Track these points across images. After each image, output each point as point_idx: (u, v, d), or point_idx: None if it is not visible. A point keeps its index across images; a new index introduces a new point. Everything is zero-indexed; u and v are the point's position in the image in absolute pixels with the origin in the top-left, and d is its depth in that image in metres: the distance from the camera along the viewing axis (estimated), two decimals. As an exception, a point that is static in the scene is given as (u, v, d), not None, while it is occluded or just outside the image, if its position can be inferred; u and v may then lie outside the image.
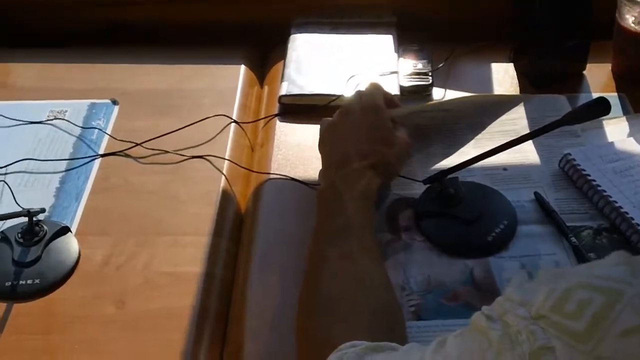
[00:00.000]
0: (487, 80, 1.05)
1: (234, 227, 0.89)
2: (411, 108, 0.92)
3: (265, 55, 1.17)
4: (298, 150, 0.95)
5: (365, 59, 1.08)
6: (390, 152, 0.81)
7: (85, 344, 0.73)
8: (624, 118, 0.94)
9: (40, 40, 1.15)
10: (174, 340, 0.74)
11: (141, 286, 0.79)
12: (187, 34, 1.17)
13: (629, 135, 0.91)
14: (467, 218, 0.81)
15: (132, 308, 0.77)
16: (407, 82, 1.02)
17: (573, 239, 0.78)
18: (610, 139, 0.91)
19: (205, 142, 0.97)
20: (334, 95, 1.00)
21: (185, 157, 0.95)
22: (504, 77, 1.05)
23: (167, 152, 0.95)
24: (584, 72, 1.03)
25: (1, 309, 0.76)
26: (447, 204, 0.82)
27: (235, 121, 1.01)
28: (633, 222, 0.78)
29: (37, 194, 0.89)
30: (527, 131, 0.92)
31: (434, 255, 0.80)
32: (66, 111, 1.02)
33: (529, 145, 0.90)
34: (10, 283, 0.77)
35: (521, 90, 1.03)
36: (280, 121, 1.01)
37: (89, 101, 1.04)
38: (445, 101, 1.00)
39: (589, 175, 0.83)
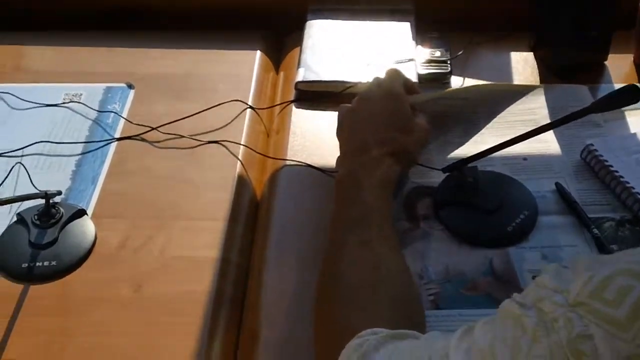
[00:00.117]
0: (507, 70, 1.04)
1: (249, 213, 0.88)
2: (429, 95, 0.92)
3: (281, 42, 1.17)
4: (314, 137, 0.95)
5: (382, 46, 1.07)
6: (409, 139, 0.81)
7: (101, 327, 0.73)
8: (646, 109, 0.93)
9: (56, 23, 1.14)
10: (190, 324, 0.73)
11: (157, 270, 0.79)
12: (202, 18, 1.16)
13: (652, 126, 0.90)
14: (487, 208, 0.80)
15: (148, 291, 0.76)
16: (425, 70, 1.01)
17: (595, 230, 0.77)
18: (632, 130, 0.90)
19: (221, 128, 0.96)
20: (350, 82, 0.99)
21: (201, 142, 0.94)
22: (523, 67, 1.04)
23: (182, 136, 0.94)
24: (606, 62, 1.02)
25: (18, 290, 0.76)
26: (467, 193, 0.81)
27: (251, 107, 1.00)
28: (656, 213, 0.77)
29: (54, 177, 0.88)
30: (548, 121, 0.91)
31: (453, 244, 0.79)
32: (82, 94, 1.01)
33: (549, 135, 0.89)
34: (26, 265, 0.77)
35: (541, 80, 1.02)
36: (297, 107, 1.00)
37: (104, 85, 1.03)
38: (463, 88, 0.99)
39: (612, 167, 0.82)
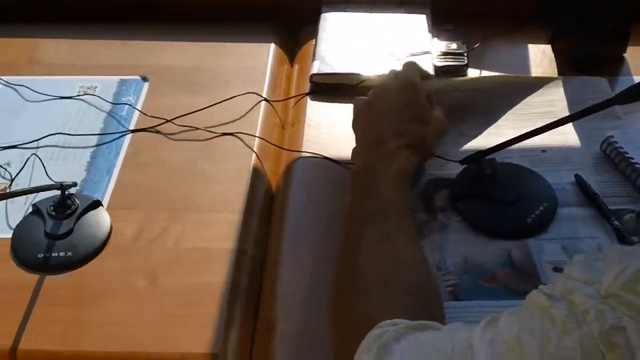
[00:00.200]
0: (524, 62, 1.03)
1: (264, 204, 0.87)
2: (444, 82, 0.91)
3: (295, 34, 1.16)
4: (329, 129, 0.94)
5: (398, 39, 1.06)
6: (426, 131, 0.80)
7: (116, 318, 0.72)
8: (666, 102, 0.92)
9: (70, 16, 1.14)
10: (205, 316, 0.73)
11: (172, 261, 0.78)
12: (217, 11, 1.15)
13: (672, 119, 0.89)
14: (506, 199, 0.79)
15: (163, 283, 0.76)
16: (441, 62, 1.01)
17: (616, 222, 0.76)
18: (653, 123, 0.89)
19: (236, 120, 0.96)
20: (366, 75, 0.98)
21: (216, 134, 0.93)
22: (541, 59, 1.03)
23: (197, 128, 0.94)
24: (625, 54, 1.01)
25: (33, 280, 0.75)
26: (485, 185, 0.81)
27: (265, 99, 0.99)
28: (677, 206, 0.76)
29: (69, 168, 0.88)
30: (566, 113, 0.91)
31: (471, 236, 0.78)
32: (96, 87, 1.01)
33: (568, 127, 0.88)
34: (42, 255, 0.77)
35: (559, 73, 1.01)
36: (312, 100, 1.00)
37: (118, 77, 1.03)
38: (477, 78, 0.98)
39: (632, 158, 0.81)
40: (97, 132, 0.94)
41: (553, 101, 0.94)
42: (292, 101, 1.01)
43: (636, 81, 0.74)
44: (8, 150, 0.90)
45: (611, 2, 0.96)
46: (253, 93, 0.99)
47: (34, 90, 1.00)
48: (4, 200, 0.82)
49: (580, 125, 0.88)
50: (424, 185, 0.84)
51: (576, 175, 0.82)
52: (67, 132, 0.93)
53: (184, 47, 1.09)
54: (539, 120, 0.88)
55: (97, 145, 0.92)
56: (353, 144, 0.84)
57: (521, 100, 0.94)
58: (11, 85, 1.01)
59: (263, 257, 0.82)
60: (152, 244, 0.80)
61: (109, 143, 0.92)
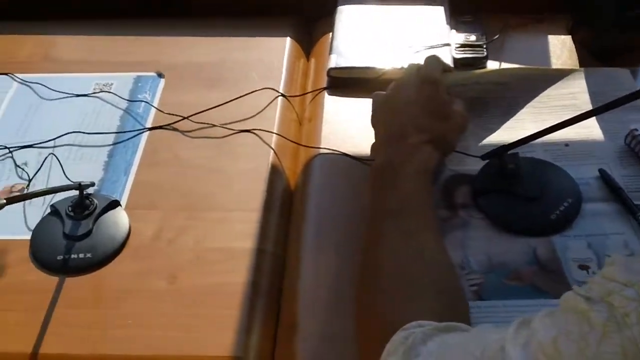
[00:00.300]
0: (544, 53, 1.01)
1: (283, 202, 0.86)
2: (463, 75, 0.89)
3: (311, 28, 1.15)
4: (348, 124, 0.93)
5: (416, 31, 1.04)
6: (447, 126, 0.78)
7: (137, 319, 0.72)
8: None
9: (85, 12, 1.13)
10: (226, 316, 0.72)
11: (192, 261, 0.77)
12: (231, 6, 1.14)
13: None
14: (529, 195, 0.78)
15: (183, 283, 0.75)
16: (460, 55, 0.99)
17: (642, 218, 0.75)
18: (678, 115, 0.87)
19: (253, 116, 0.95)
20: (384, 69, 0.97)
21: (233, 131, 0.92)
22: (561, 50, 1.02)
23: (214, 125, 0.93)
24: (648, 44, 0.99)
25: (53, 283, 0.75)
26: (507, 180, 0.79)
27: (282, 95, 0.98)
28: None
29: (86, 168, 0.87)
30: (589, 105, 0.89)
31: (494, 233, 0.77)
32: (112, 84, 1.00)
33: (592, 120, 0.86)
34: (62, 257, 0.76)
35: (580, 64, 0.99)
36: (329, 95, 0.98)
37: (134, 74, 1.02)
38: (500, 70, 0.97)
39: (658, 152, 0.80)
40: (114, 130, 0.93)
41: (575, 93, 0.92)
42: (309, 96, 1.00)
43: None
44: (25, 149, 0.90)
45: (633, -9, 0.94)
46: (270, 89, 0.98)
47: (49, 88, 0.99)
48: (22, 202, 0.82)
49: (603, 119, 0.86)
50: (444, 182, 0.83)
51: (600, 170, 0.81)
52: (84, 131, 0.92)
53: (198, 42, 1.08)
54: (561, 113, 0.88)
55: (114, 144, 0.91)
56: (372, 140, 0.83)
57: (542, 92, 0.93)
58: (27, 83, 1.00)
59: (283, 256, 0.81)
60: (172, 244, 0.79)
61: (126, 141, 0.91)
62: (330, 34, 1.06)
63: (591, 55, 0.99)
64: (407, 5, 1.09)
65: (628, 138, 0.83)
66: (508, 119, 0.89)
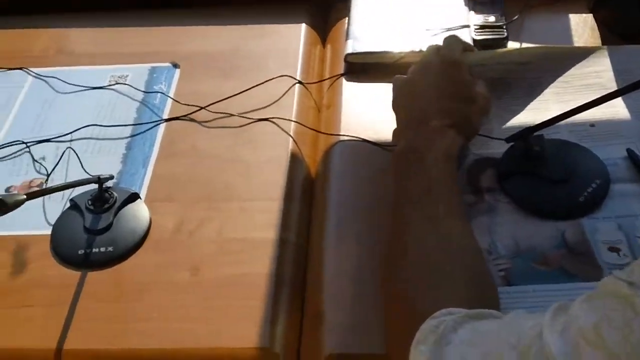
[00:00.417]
0: (565, 32, 0.99)
1: (304, 191, 0.85)
2: (484, 55, 0.88)
3: (326, 14, 1.13)
4: (367, 110, 0.92)
5: (434, 13, 1.02)
6: (471, 109, 0.77)
7: (160, 312, 0.71)
8: None
9: (98, 4, 1.12)
10: (251, 307, 0.71)
11: (214, 253, 0.77)
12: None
13: None
14: (555, 177, 0.76)
15: (206, 275, 0.74)
16: (480, 36, 0.97)
17: (673, 198, 0.73)
18: None
19: (270, 104, 0.93)
20: (402, 52, 0.95)
21: (251, 120, 0.91)
22: (583, 29, 0.99)
23: (232, 115, 0.92)
24: (672, 21, 0.97)
25: (75, 277, 0.74)
26: (533, 163, 0.78)
27: (300, 82, 0.97)
28: None
29: (104, 161, 0.87)
30: (614, 84, 0.88)
31: (521, 217, 0.75)
32: (127, 76, 0.99)
33: (617, 99, 0.83)
34: (83, 251, 0.75)
35: (603, 42, 0.97)
36: (347, 81, 0.97)
37: (149, 65, 1.01)
38: (521, 50, 0.95)
39: (686, 130, 0.78)
40: (131, 122, 0.92)
41: (599, 72, 0.90)
42: (326, 83, 0.99)
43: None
44: (43, 144, 0.89)
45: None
46: (287, 76, 0.96)
47: (65, 82, 0.98)
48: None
49: (629, 97, 0.84)
50: (469, 166, 0.81)
51: (628, 150, 0.79)
52: (101, 124, 0.91)
53: (212, 31, 1.07)
54: (585, 93, 0.86)
55: (131, 136, 0.90)
56: (392, 125, 0.82)
57: (565, 71, 0.91)
58: (42, 77, 1.00)
59: (306, 246, 0.80)
60: (193, 235, 0.78)
61: (143, 133, 0.90)
62: (346, 19, 1.05)
63: (613, 34, 0.97)
64: (423, -13, 1.07)
65: (656, 116, 0.81)
66: (531, 100, 0.88)
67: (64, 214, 0.80)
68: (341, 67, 0.99)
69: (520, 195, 0.77)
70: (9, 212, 0.63)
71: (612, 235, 0.72)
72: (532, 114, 0.85)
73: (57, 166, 0.86)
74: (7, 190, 0.84)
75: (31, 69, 1.01)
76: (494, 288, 0.65)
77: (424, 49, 0.85)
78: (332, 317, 0.70)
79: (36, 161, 0.87)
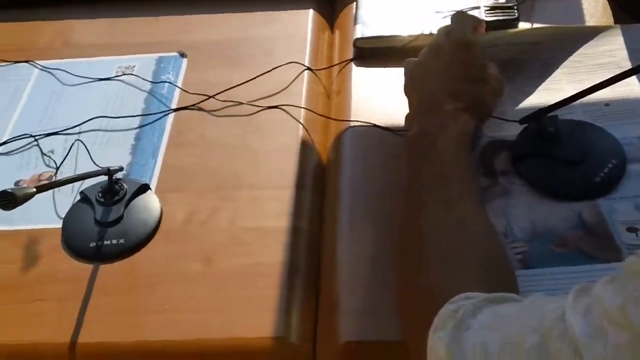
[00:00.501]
0: (577, 12, 0.98)
1: (316, 178, 0.84)
2: (495, 35, 0.86)
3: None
4: (378, 95, 0.90)
5: (443, -5, 1.01)
6: (484, 91, 0.76)
7: (173, 303, 0.71)
8: None
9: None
10: (265, 297, 0.71)
11: (227, 243, 0.76)
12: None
13: None
14: (571, 158, 0.75)
15: (219, 265, 0.74)
16: (491, 17, 0.95)
17: (691, 176, 0.71)
18: None
19: (279, 92, 0.92)
20: (412, 35, 0.94)
21: (261, 108, 0.90)
22: (595, 8, 0.98)
23: (241, 103, 0.91)
24: (685, -3, 0.95)
25: (87, 270, 0.74)
26: (547, 144, 0.76)
27: (308, 68, 0.96)
28: None
29: (113, 152, 0.86)
30: (628, 63, 0.86)
31: (536, 199, 0.74)
32: (134, 66, 0.98)
33: (632, 77, 0.82)
34: (94, 244, 0.75)
35: (615, 21, 0.95)
36: (357, 66, 0.96)
37: (156, 55, 1.00)
38: (533, 30, 0.93)
39: (702, 106, 0.76)
40: (139, 112, 0.91)
41: (612, 50, 0.89)
42: (335, 69, 0.98)
43: None
44: (51, 137, 0.88)
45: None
46: (295, 63, 0.95)
47: (71, 74, 0.97)
48: (51, 189, 0.80)
49: (644, 75, 0.83)
50: (482, 149, 0.80)
51: (644, 129, 0.78)
52: (109, 115, 0.90)
53: (219, 19, 1.06)
54: (599, 72, 0.85)
55: (140, 127, 0.89)
56: (403, 110, 0.81)
57: (577, 51, 0.89)
58: (48, 70, 0.99)
59: (319, 233, 0.79)
60: (204, 226, 0.77)
61: (152, 124, 0.89)
62: (354, 4, 1.03)
63: (626, 12, 0.95)
64: (431, -31, 1.05)
65: (672, 94, 0.80)
66: (544, 81, 0.86)
67: (74, 207, 0.79)
68: (350, 53, 0.97)
69: (535, 177, 0.75)
70: (18, 205, 0.63)
71: (630, 215, 0.70)
72: (546, 95, 0.84)
73: (66, 159, 0.85)
74: (17, 184, 0.83)
75: (37, 61, 1.00)
76: (512, 271, 0.64)
77: (434, 31, 0.84)
78: (347, 304, 0.69)
79: (45, 154, 0.86)
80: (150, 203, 0.79)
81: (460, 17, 0.80)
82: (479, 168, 0.78)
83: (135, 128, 0.89)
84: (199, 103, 0.91)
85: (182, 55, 1.00)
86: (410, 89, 0.80)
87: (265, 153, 0.85)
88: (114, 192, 0.78)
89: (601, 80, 0.70)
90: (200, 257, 0.74)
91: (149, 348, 0.68)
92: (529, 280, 0.67)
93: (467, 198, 0.67)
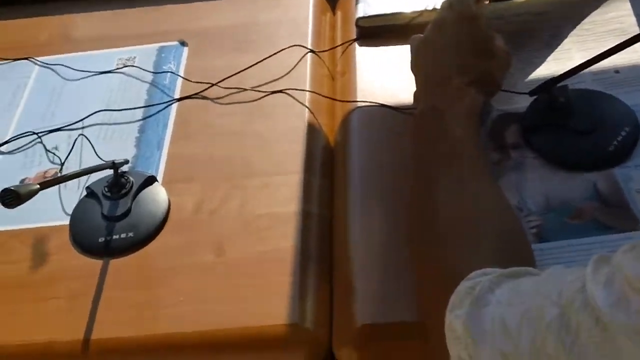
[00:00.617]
0: (582, -20, 0.96)
1: (324, 161, 0.83)
2: (498, 6, 0.85)
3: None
4: (383, 74, 0.89)
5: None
6: (491, 64, 0.74)
7: (188, 295, 0.70)
8: None
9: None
10: (279, 283, 0.70)
11: (238, 231, 0.75)
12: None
13: None
14: (583, 128, 0.74)
15: (232, 254, 0.73)
16: (494, -9, 0.94)
17: None
18: None
19: (283, 76, 0.91)
20: (415, 12, 0.92)
21: (265, 93, 0.89)
22: (600, -26, 0.96)
23: (245, 89, 0.90)
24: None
25: (98, 266, 0.73)
26: (558, 115, 0.75)
27: (312, 50, 0.94)
28: None
29: (117, 146, 0.85)
30: (636, 28, 0.84)
31: (549, 171, 0.73)
32: (135, 57, 0.97)
33: None
34: (103, 239, 0.74)
35: (621, -13, 0.93)
36: (360, 46, 0.94)
37: (157, 45, 0.99)
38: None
39: None
40: (142, 104, 0.90)
41: (620, 17, 0.87)
42: (339, 50, 0.96)
43: None
44: (54, 133, 0.87)
45: None
46: (298, 46, 0.94)
47: (72, 68, 0.96)
48: (57, 186, 0.79)
49: (652, 40, 0.81)
50: (492, 123, 0.79)
51: (657, 94, 0.76)
52: (112, 108, 0.89)
53: (219, 5, 1.04)
54: (608, 39, 0.83)
55: (143, 119, 0.88)
56: (410, 89, 0.79)
57: (585, 19, 0.87)
58: (48, 66, 0.98)
59: (330, 217, 0.78)
60: (214, 215, 0.76)
61: (156, 115, 0.88)
62: (355, -17, 1.02)
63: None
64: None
65: (683, 57, 0.78)
66: (553, 51, 0.84)
67: (80, 203, 0.78)
68: (353, 33, 0.96)
69: (547, 149, 0.74)
70: (22, 203, 0.62)
71: (646, 183, 0.69)
72: (555, 65, 0.82)
73: (71, 155, 0.84)
74: (22, 182, 0.82)
75: (37, 58, 0.99)
76: (528, 245, 0.63)
77: (438, 6, 0.82)
78: (361, 287, 0.68)
79: (49, 151, 0.85)
80: (158, 195, 0.78)
81: None
82: (490, 142, 0.76)
83: (139, 120, 0.88)
84: (202, 91, 0.90)
85: (183, 44, 0.98)
86: (416, 66, 0.78)
87: (271, 139, 0.84)
88: (121, 185, 0.77)
89: (610, 47, 0.68)
90: (212, 246, 0.74)
91: (164, 341, 0.67)
92: (545, 254, 0.66)
93: (478, 173, 0.66)
